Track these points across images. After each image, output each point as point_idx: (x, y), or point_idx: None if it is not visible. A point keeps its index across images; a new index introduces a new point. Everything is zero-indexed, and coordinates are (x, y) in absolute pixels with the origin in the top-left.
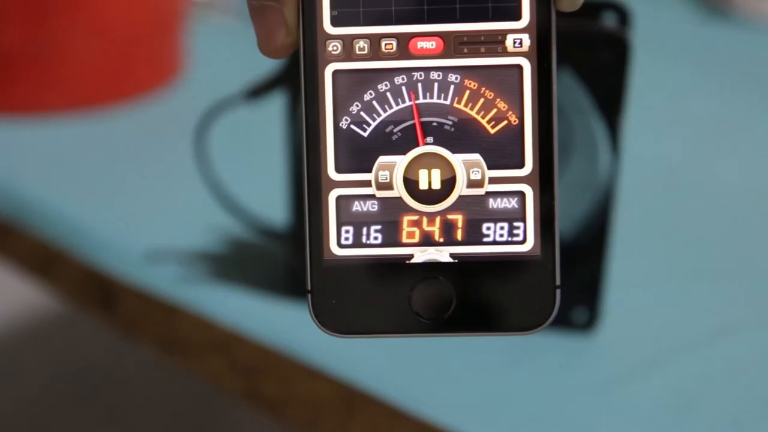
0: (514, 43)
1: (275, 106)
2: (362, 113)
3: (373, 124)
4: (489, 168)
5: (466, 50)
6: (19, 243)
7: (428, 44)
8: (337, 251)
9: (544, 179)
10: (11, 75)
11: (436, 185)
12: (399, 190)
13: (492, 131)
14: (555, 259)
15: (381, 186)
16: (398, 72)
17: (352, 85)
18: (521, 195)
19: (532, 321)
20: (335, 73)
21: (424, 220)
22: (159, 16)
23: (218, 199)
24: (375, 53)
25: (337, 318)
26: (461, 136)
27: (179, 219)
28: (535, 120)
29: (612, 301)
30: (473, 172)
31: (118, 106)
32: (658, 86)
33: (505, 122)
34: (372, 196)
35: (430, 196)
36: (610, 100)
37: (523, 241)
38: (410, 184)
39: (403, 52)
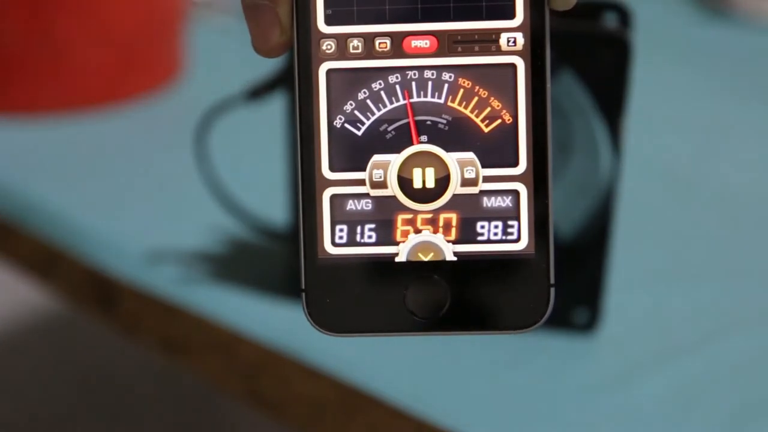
0: (508, 41)
1: (275, 106)
2: (356, 112)
3: (367, 123)
4: (483, 167)
5: (460, 49)
6: (19, 243)
7: (422, 43)
8: (332, 250)
9: (538, 178)
10: (11, 75)
11: (431, 184)
12: (393, 189)
13: (486, 130)
14: (549, 258)
15: (375, 185)
16: (392, 71)
17: (346, 83)
18: (515, 194)
19: (527, 319)
20: (329, 72)
21: (419, 218)
22: (159, 17)
23: (218, 199)
24: (369, 52)
25: (331, 317)
26: (455, 134)
27: (179, 219)
28: (529, 119)
29: (612, 301)
30: (467, 170)
31: (118, 106)
32: (658, 86)
33: (499, 121)
34: (366, 195)
35: (424, 195)
36: (610, 101)
37: (518, 240)
38: (404, 182)
39: (397, 51)
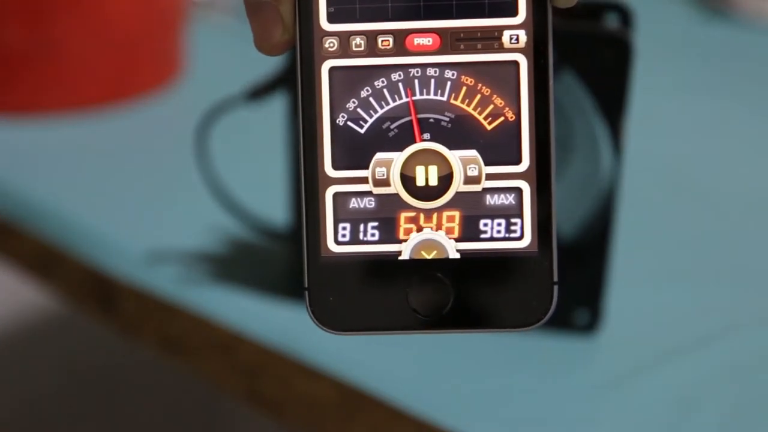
0: (511, 39)
1: (276, 107)
2: (359, 110)
3: (370, 121)
4: (486, 164)
5: (462, 46)
6: (19, 243)
7: (425, 40)
8: (334, 248)
9: (541, 175)
10: (11, 75)
11: (433, 182)
12: (396, 187)
13: (489, 127)
14: (552, 256)
15: (378, 183)
16: (395, 68)
17: (348, 81)
18: (518, 191)
19: (530, 317)
20: (332, 69)
21: (421, 216)
22: (159, 16)
23: (218, 199)
24: (371, 50)
25: (334, 315)
26: (458, 132)
27: (180, 219)
28: (532, 116)
29: (612, 301)
30: (470, 168)
31: (118, 106)
32: (659, 86)
33: (502, 118)
34: (369, 193)
35: (427, 193)
36: (611, 101)
37: (521, 238)
38: (407, 180)
39: (400, 49)
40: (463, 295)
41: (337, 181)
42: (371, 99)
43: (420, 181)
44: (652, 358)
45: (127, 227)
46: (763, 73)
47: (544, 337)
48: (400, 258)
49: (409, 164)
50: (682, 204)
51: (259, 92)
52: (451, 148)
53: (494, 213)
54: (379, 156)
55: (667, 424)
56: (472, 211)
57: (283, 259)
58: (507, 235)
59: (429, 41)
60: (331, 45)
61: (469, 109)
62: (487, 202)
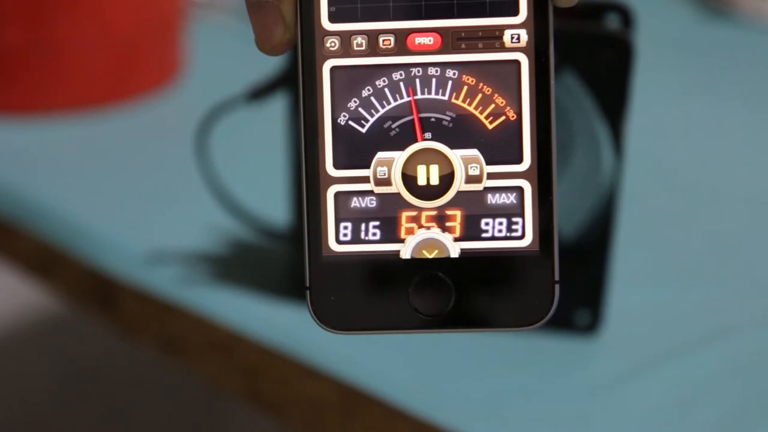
0: (512, 38)
1: (276, 107)
2: (360, 109)
3: (371, 120)
4: (487, 163)
5: (463, 46)
6: (19, 243)
7: (426, 40)
8: (336, 247)
9: (542, 175)
10: (11, 75)
11: (435, 181)
12: (397, 186)
13: (490, 127)
14: (554, 255)
15: (379, 182)
16: (396, 68)
17: (349, 81)
18: (520, 190)
19: (531, 316)
20: (333, 69)
21: (423, 215)
22: (159, 16)
23: (219, 199)
24: (373, 49)
25: (335, 314)
26: (459, 131)
27: (180, 220)
28: (533, 115)
29: (612, 300)
30: (471, 167)
31: (118, 106)
32: (659, 87)
33: (503, 118)
34: (370, 192)
35: (428, 192)
36: (612, 102)
37: (522, 237)
38: (408, 179)
39: (401, 48)
40: (465, 294)
41: (339, 180)
42: (372, 98)
43: (421, 181)
44: (652, 358)
45: (127, 227)
46: (763, 73)
47: (545, 337)
48: (401, 257)
49: (410, 163)
50: (682, 204)
51: (259, 93)
52: (452, 147)
53: (495, 212)
54: (381, 155)
55: (667, 424)
56: (474, 211)
57: (283, 260)
58: (508, 235)
59: (430, 41)
60: (333, 44)
61: (471, 109)
62: (489, 202)
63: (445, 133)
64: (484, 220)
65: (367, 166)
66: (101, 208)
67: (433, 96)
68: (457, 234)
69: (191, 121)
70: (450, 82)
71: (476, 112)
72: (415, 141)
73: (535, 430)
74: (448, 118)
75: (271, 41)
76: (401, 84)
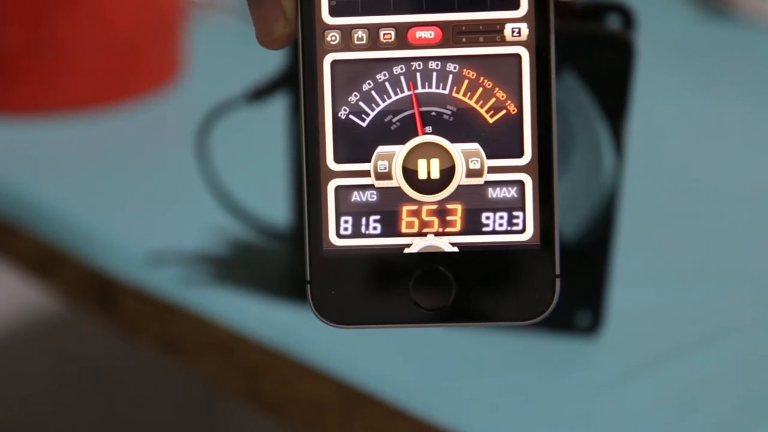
0: (513, 32)
1: (277, 108)
2: (361, 103)
3: (372, 114)
4: (488, 157)
5: (464, 39)
6: (19, 243)
7: (427, 34)
8: (336, 241)
9: (543, 169)
10: (11, 75)
11: (435, 175)
12: (398, 180)
13: (491, 121)
14: (555, 249)
15: (380, 176)
16: (397, 62)
17: (350, 75)
18: (520, 184)
19: (532, 310)
20: (334, 63)
21: (423, 209)
22: (159, 16)
23: (219, 200)
24: (373, 43)
25: (336, 308)
26: (460, 125)
27: (180, 220)
28: (533, 109)
29: (613, 301)
30: (472, 161)
31: (118, 106)
32: (660, 87)
33: (504, 111)
34: (371, 186)
35: (429, 186)
36: (613, 102)
37: (523, 231)
38: (409, 173)
39: (402, 42)
40: (465, 288)
41: (339, 174)
42: (373, 92)
43: (422, 175)
44: (652, 358)
45: (127, 227)
46: (764, 73)
47: (545, 338)
48: (402, 251)
49: (411, 157)
50: (683, 204)
51: (260, 93)
52: (453, 141)
53: (496, 206)
54: (381, 149)
55: (667, 424)
56: (474, 205)
57: (283, 260)
58: (509, 229)
59: (431, 34)
60: (333, 38)
61: (471, 103)
62: (489, 196)
63: (446, 127)
64: (484, 214)
65: (368, 160)
66: (101, 208)
67: (433, 90)
68: (458, 228)
69: (191, 121)
70: (451, 76)
71: (477, 106)
72: (416, 135)
73: (535, 430)
74: (449, 112)
75: (272, 35)
76: (402, 78)
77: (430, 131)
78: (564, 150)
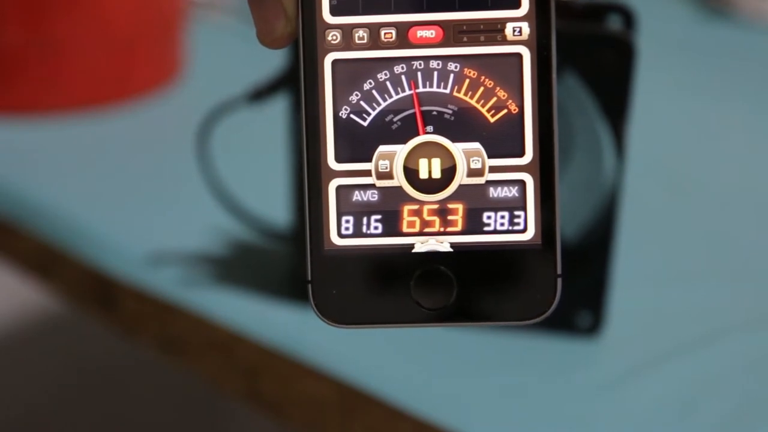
0: (514, 31)
1: (277, 108)
2: (362, 102)
3: (373, 114)
4: (489, 157)
5: (465, 39)
6: (19, 243)
7: (428, 33)
8: (338, 241)
9: (544, 168)
10: (11, 75)
11: (437, 174)
12: (399, 180)
13: (492, 120)
14: (556, 248)
15: (381, 175)
16: (398, 61)
17: (351, 74)
18: (522, 184)
19: (533, 310)
20: (335, 62)
21: (425, 209)
22: (159, 16)
23: (220, 200)
24: (374, 42)
25: (337, 308)
26: (461, 124)
27: (180, 220)
28: (535, 108)
29: (614, 302)
30: (473, 161)
31: (118, 106)
32: (660, 87)
33: (505, 111)
34: (372, 186)
35: (430, 186)
36: (614, 103)
37: (524, 230)
38: (410, 173)
39: (403, 41)
40: (467, 288)
41: (340, 174)
42: (374, 92)
43: (423, 174)
44: (652, 358)
45: (127, 227)
46: (764, 73)
47: (546, 338)
48: (403, 251)
49: (412, 157)
50: (684, 205)
51: (260, 93)
52: (454, 140)
53: (497, 206)
54: (382, 149)
55: (667, 424)
56: (476, 204)
57: (283, 260)
58: (510, 228)
59: (432, 34)
60: (334, 38)
61: (473, 102)
62: (491, 195)
63: (447, 126)
64: (486, 214)
65: (369, 160)
66: (101, 208)
67: (434, 89)
68: (459, 228)
69: (191, 121)
70: (452, 76)
71: (478, 106)
72: (417, 134)
73: (535, 430)
74: (450, 112)
75: (273, 34)
76: (403, 77)
77: (431, 131)
78: (565, 150)
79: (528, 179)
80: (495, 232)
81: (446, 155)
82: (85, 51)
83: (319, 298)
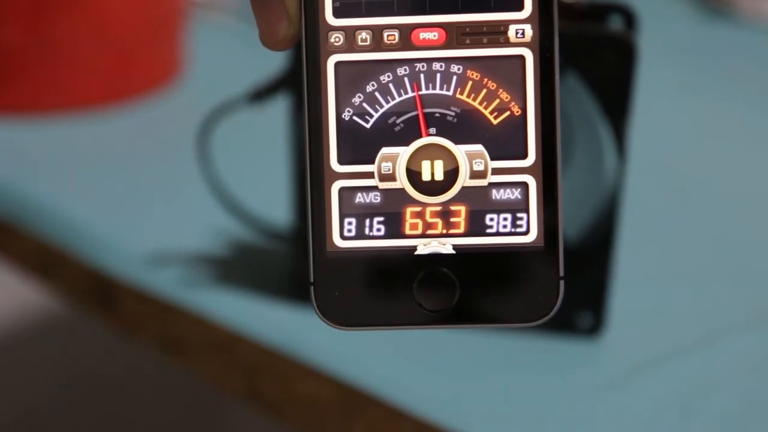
0: (517, 33)
1: (278, 108)
2: (364, 104)
3: (376, 116)
4: (492, 159)
5: (468, 41)
6: (19, 243)
7: (430, 35)
8: (340, 243)
9: (547, 170)
10: (11, 75)
11: (439, 176)
12: (402, 182)
13: (495, 122)
14: (559, 250)
15: (384, 177)
16: (400, 63)
17: (354, 76)
18: (524, 186)
19: (536, 312)
20: (337, 64)
21: (427, 211)
22: (159, 16)
23: (220, 200)
24: (377, 44)
25: (340, 310)
26: (464, 127)
27: (181, 220)
28: (537, 110)
29: (615, 302)
30: (476, 163)
31: (118, 106)
32: (661, 87)
33: (508, 113)
34: (375, 188)
35: (433, 188)
36: (615, 103)
37: (527, 232)
38: (413, 175)
39: (406, 43)
40: (469, 290)
41: (343, 175)
42: (377, 94)
43: (426, 176)
44: (653, 359)
45: (127, 227)
46: (764, 73)
47: (547, 339)
48: (406, 253)
49: (415, 159)
50: (685, 205)
51: (261, 94)
52: (457, 142)
53: (500, 208)
54: (385, 151)
55: (668, 425)
56: (478, 206)
57: (284, 261)
58: (513, 230)
59: (434, 36)
60: (337, 40)
61: (475, 104)
62: (493, 197)
63: (450, 128)
64: (488, 216)
65: (372, 162)
66: (101, 208)
67: (437, 91)
68: (462, 230)
69: (191, 121)
70: (454, 78)
71: (481, 108)
72: (420, 136)
73: (535, 430)
74: (453, 114)
75: (275, 36)
76: (406, 79)
77: (434, 132)
78: (565, 151)
79: (531, 181)
80: (498, 234)
81: (449, 157)
82: (85, 51)
83: (322, 300)
